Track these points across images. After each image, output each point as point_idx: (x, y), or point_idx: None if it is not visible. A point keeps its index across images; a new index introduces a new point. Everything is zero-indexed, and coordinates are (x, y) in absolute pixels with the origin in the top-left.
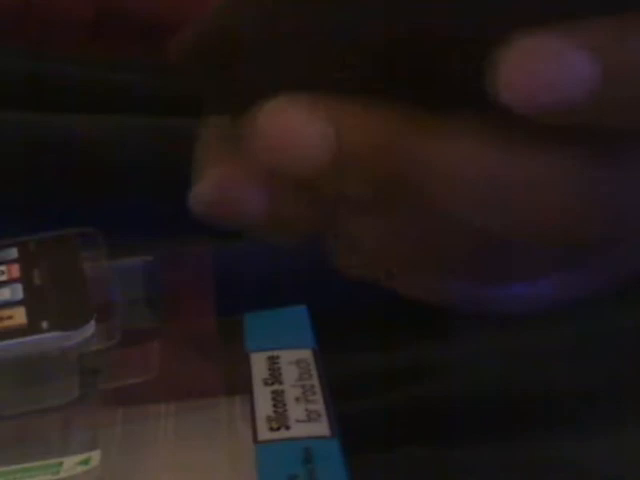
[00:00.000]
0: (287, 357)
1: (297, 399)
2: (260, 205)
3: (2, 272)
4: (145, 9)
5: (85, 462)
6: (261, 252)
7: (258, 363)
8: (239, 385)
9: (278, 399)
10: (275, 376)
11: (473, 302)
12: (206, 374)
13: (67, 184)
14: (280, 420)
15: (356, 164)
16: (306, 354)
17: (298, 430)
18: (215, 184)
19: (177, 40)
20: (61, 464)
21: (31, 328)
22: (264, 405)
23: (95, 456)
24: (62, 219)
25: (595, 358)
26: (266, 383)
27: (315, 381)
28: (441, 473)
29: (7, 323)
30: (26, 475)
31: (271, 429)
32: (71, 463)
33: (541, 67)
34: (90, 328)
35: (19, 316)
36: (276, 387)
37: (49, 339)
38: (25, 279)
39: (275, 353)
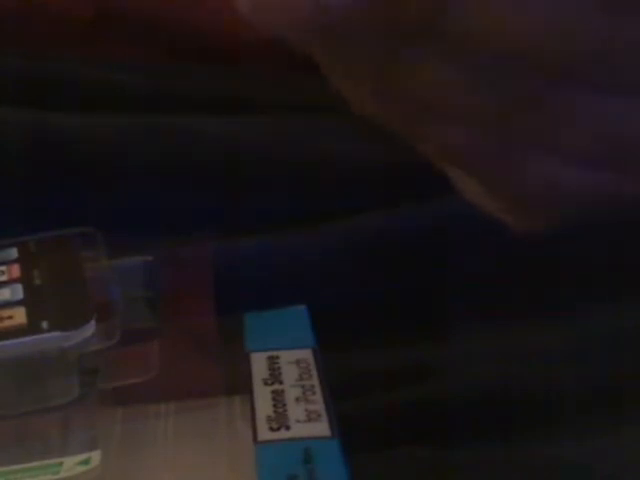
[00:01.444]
0: (287, 357)
1: (297, 399)
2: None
3: (2, 272)
4: (144, 9)
5: (85, 462)
6: (261, 252)
7: (258, 363)
8: (239, 385)
9: (278, 399)
10: (275, 376)
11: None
12: (206, 374)
13: (67, 184)
14: (280, 420)
15: None
16: (306, 354)
17: (298, 430)
18: None
19: None
20: (61, 464)
21: (31, 328)
22: (264, 405)
23: (95, 456)
24: (62, 219)
25: (595, 358)
26: (266, 383)
27: (315, 381)
28: (441, 473)
29: (7, 323)
30: (26, 475)
31: (271, 429)
32: (71, 463)
33: None
34: (90, 328)
35: (19, 316)
36: (276, 387)
37: (49, 339)
38: (25, 279)
39: (275, 353)
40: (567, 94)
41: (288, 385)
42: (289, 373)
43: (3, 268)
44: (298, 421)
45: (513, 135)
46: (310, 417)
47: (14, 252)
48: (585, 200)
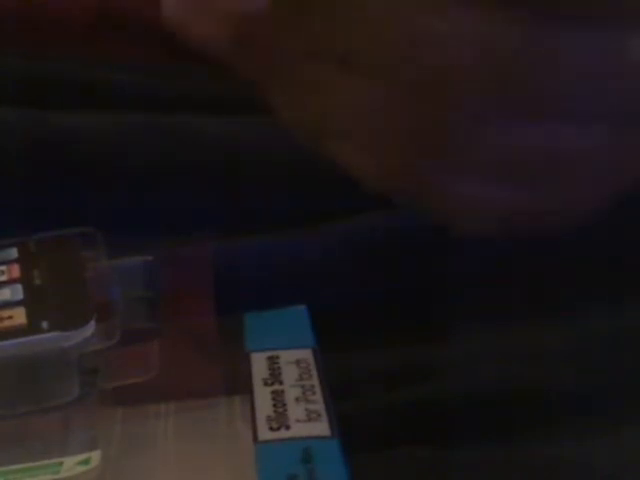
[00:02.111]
0: (287, 357)
1: (297, 399)
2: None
3: (2, 272)
4: (144, 11)
5: (85, 462)
6: (261, 252)
7: (258, 363)
8: (239, 385)
9: (278, 399)
10: (275, 376)
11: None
12: (206, 374)
13: (67, 184)
14: (280, 420)
15: None
16: (306, 354)
17: (298, 430)
18: None
19: None
20: (61, 464)
21: (31, 328)
22: (264, 405)
23: (95, 456)
24: (62, 219)
25: (595, 358)
26: (266, 383)
27: (315, 381)
28: (441, 473)
29: (7, 323)
30: (26, 475)
31: (271, 429)
32: (71, 463)
33: None
34: (90, 328)
35: (19, 316)
36: (276, 387)
37: (49, 339)
38: (25, 279)
39: (275, 353)
40: (486, 119)
41: (288, 385)
42: (289, 373)
43: (3, 268)
44: (298, 421)
45: (426, 154)
46: (310, 417)
47: (14, 252)
48: (504, 215)
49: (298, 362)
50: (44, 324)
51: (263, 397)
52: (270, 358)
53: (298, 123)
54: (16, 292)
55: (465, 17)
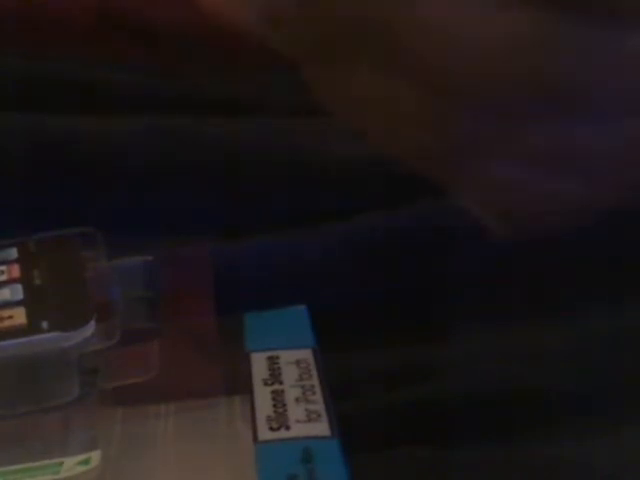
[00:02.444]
0: (287, 357)
1: (297, 399)
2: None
3: (2, 272)
4: (144, 11)
5: (85, 462)
6: (261, 252)
7: (258, 363)
8: (239, 385)
9: (278, 399)
10: (275, 376)
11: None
12: (206, 374)
13: (67, 184)
14: (280, 420)
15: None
16: (306, 354)
17: (298, 430)
18: None
19: None
20: (61, 464)
21: (31, 328)
22: (264, 405)
23: (95, 456)
24: (62, 219)
25: (595, 358)
26: (266, 383)
27: (315, 381)
28: (441, 473)
29: (7, 323)
30: (26, 475)
31: (271, 429)
32: (71, 463)
33: None
34: (90, 328)
35: (19, 316)
36: (276, 387)
37: (49, 339)
38: (25, 279)
39: (275, 353)
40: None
41: (288, 385)
42: (289, 373)
43: (3, 268)
44: (298, 421)
45: (468, 141)
46: (310, 417)
47: (14, 252)
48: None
49: (298, 362)
50: (44, 324)
51: (263, 397)
52: (270, 358)
53: (340, 108)
54: (16, 292)
55: (510, 18)
